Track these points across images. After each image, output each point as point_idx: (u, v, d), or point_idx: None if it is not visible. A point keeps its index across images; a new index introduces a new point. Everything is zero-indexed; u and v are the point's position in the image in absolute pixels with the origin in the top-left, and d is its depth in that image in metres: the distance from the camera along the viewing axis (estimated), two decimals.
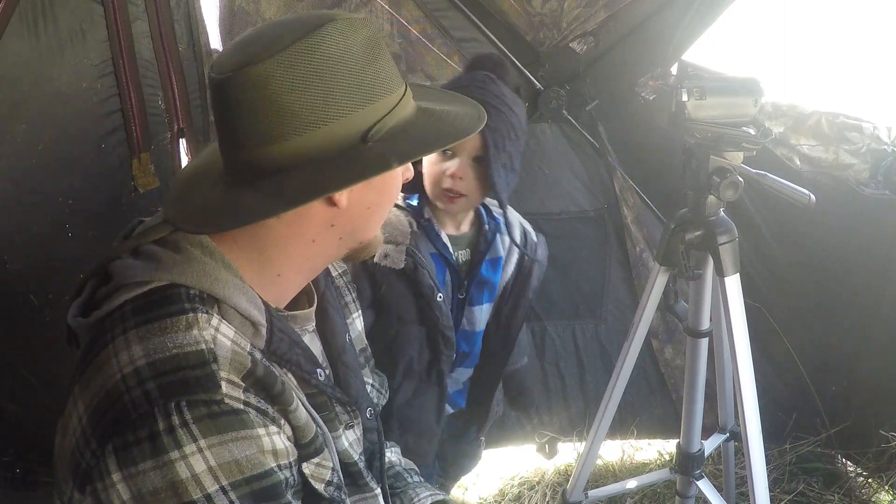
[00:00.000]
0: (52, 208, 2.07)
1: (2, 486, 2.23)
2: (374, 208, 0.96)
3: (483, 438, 1.96)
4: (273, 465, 0.83)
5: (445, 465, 1.95)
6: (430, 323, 1.57)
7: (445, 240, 1.58)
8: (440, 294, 1.55)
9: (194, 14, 2.12)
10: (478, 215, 1.63)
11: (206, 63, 2.15)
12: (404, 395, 1.63)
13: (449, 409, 1.72)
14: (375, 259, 1.53)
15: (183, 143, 2.22)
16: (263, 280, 0.92)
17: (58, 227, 2.09)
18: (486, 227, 1.62)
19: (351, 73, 0.85)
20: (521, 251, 1.65)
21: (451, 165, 1.46)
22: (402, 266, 1.51)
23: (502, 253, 1.65)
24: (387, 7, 2.16)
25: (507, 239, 1.64)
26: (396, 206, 1.58)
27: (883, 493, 2.38)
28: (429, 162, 1.50)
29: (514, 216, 1.68)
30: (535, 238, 1.70)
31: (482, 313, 1.67)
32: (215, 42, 2.17)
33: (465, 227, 1.62)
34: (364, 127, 0.86)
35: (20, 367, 2.16)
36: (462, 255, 1.62)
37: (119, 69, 2.05)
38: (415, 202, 1.60)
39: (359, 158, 0.85)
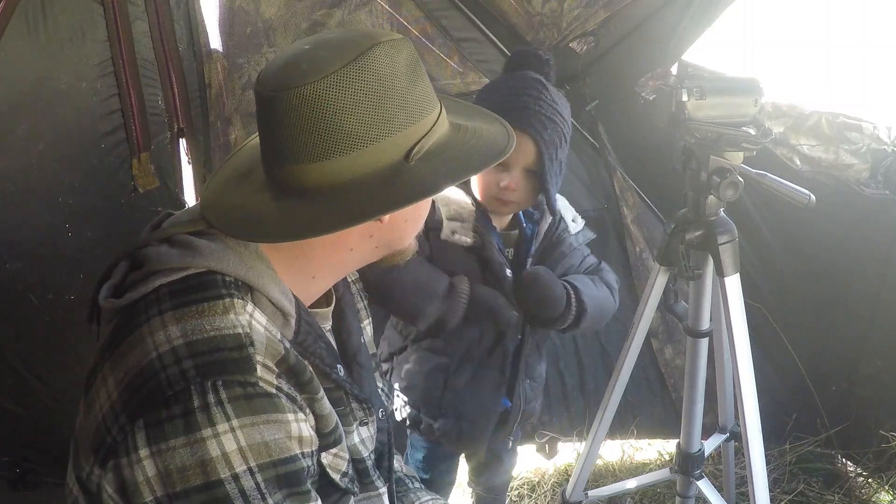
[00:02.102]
0: (52, 208, 2.07)
1: (2, 486, 2.23)
2: (410, 221, 1.01)
3: (514, 446, 1.91)
4: (298, 451, 0.84)
5: (473, 467, 1.94)
6: None
7: (497, 230, 1.58)
8: (509, 270, 1.54)
9: (194, 14, 2.12)
10: (516, 215, 1.64)
11: (206, 63, 2.15)
12: (462, 380, 1.61)
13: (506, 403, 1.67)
14: (442, 236, 1.52)
15: (183, 143, 2.22)
16: (297, 280, 0.95)
17: (58, 226, 2.09)
18: (525, 226, 1.62)
19: (398, 94, 0.89)
20: (547, 231, 1.62)
21: (506, 178, 1.46)
22: (472, 242, 1.52)
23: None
24: (387, 7, 2.16)
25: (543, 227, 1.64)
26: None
27: (883, 493, 2.38)
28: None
29: (560, 206, 1.65)
30: (571, 226, 1.63)
31: None
32: (215, 42, 2.17)
33: (505, 225, 1.63)
34: (408, 145, 0.89)
35: (20, 368, 2.16)
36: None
37: (119, 69, 2.05)
38: None
39: (408, 179, 0.89)
